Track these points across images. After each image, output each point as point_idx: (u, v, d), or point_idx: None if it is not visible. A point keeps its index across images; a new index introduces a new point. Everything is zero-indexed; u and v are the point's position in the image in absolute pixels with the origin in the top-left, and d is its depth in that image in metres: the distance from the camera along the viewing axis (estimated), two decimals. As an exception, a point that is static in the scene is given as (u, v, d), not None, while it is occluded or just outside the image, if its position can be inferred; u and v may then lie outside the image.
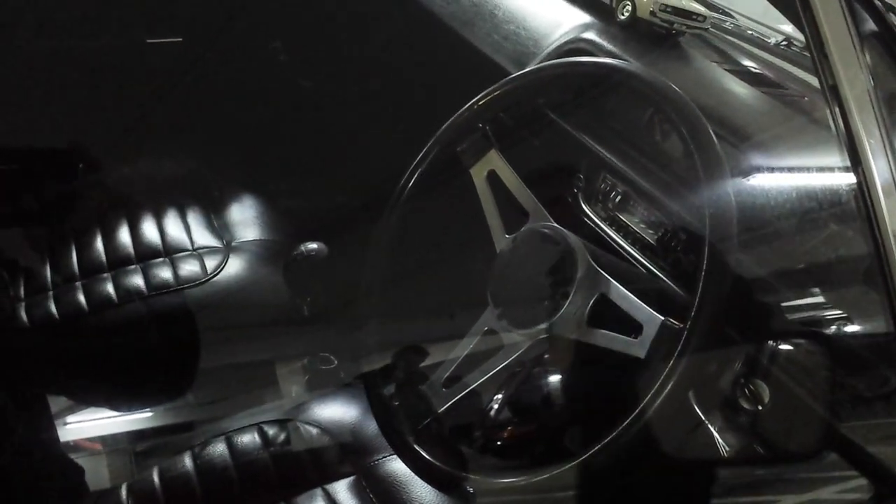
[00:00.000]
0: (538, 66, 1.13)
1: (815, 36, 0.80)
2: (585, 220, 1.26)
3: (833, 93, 0.78)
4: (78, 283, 1.44)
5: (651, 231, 1.16)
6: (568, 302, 0.93)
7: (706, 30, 1.39)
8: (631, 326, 0.87)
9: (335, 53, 1.89)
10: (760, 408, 0.82)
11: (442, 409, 1.01)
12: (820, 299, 1.00)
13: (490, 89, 1.09)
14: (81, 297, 1.41)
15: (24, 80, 1.63)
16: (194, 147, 1.74)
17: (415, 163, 1.11)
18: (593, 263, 0.95)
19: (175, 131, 1.76)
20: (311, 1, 1.92)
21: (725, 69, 1.32)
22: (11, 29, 1.61)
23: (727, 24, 1.57)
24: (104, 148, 1.68)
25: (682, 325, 0.81)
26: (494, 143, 1.08)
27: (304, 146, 1.80)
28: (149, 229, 1.54)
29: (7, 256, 1.45)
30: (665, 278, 1.07)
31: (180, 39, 1.85)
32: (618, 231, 1.21)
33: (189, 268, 1.47)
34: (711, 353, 0.80)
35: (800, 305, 1.00)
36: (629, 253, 1.17)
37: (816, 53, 0.80)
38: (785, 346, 0.83)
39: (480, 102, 1.09)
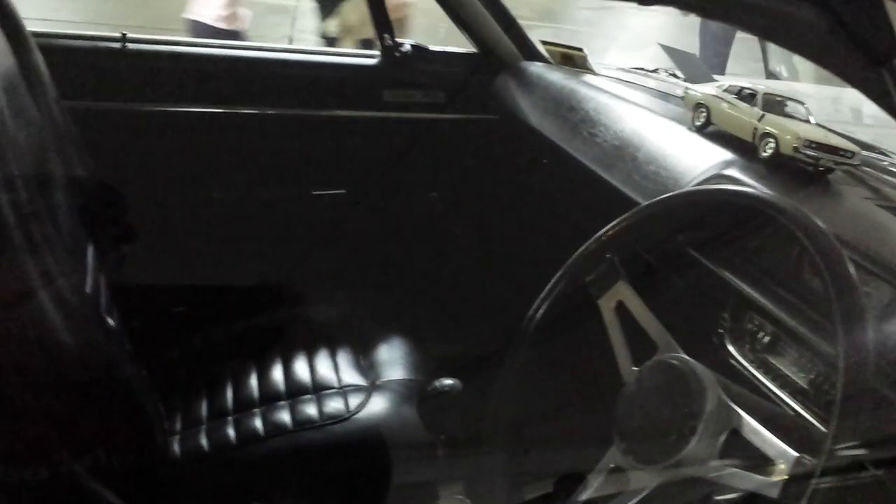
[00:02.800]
0: (668, 195, 1.11)
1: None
2: (732, 362, 1.19)
3: None
4: (230, 418, 1.51)
5: (802, 374, 1.08)
6: (696, 437, 0.87)
7: (856, 166, 1.33)
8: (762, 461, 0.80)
9: (484, 202, 1.97)
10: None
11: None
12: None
13: (619, 220, 1.09)
14: (231, 431, 1.47)
15: (204, 227, 1.80)
16: (351, 290, 1.82)
17: (542, 294, 1.10)
18: (724, 397, 0.89)
19: (334, 277, 1.85)
20: (466, 156, 2.03)
21: (880, 206, 1.25)
22: (196, 182, 1.79)
23: (883, 162, 1.49)
24: (266, 293, 1.80)
25: (817, 462, 0.74)
26: (623, 274, 1.06)
27: (450, 287, 1.84)
28: (300, 367, 1.60)
29: (169, 391, 1.55)
30: (806, 414, 0.98)
31: (343, 191, 1.99)
32: (766, 374, 1.13)
33: (334, 405, 1.51)
34: (850, 492, 0.72)
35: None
36: (777, 396, 1.08)
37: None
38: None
39: (609, 233, 1.09)
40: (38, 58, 1.47)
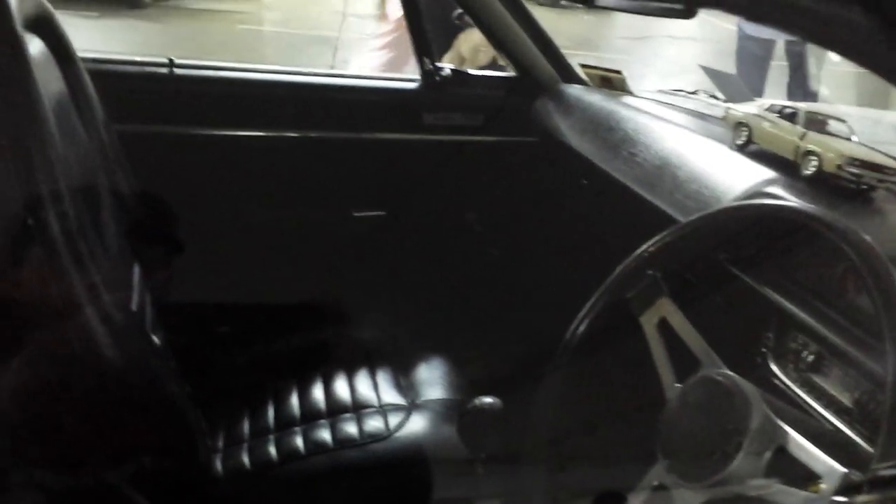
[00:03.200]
0: (711, 210, 1.11)
1: None
2: (776, 381, 1.17)
3: None
4: (271, 436, 1.52)
5: (847, 393, 1.06)
6: (742, 454, 0.86)
7: (899, 184, 1.31)
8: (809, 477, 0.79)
9: (523, 223, 1.97)
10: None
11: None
12: None
13: (661, 235, 1.08)
14: (272, 449, 1.48)
15: (247, 248, 1.82)
16: (390, 310, 1.83)
17: (583, 311, 1.10)
18: (769, 412, 0.87)
19: (374, 297, 1.87)
20: (505, 178, 2.04)
21: None
22: (240, 203, 1.82)
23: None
24: (308, 313, 1.82)
25: (865, 477, 0.72)
26: (665, 290, 1.06)
27: (489, 307, 1.85)
28: (341, 386, 1.61)
29: (212, 409, 1.56)
30: (851, 433, 0.96)
31: (383, 212, 2.01)
32: (810, 393, 1.11)
33: (374, 424, 1.51)
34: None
35: None
36: (821, 414, 1.06)
37: None
38: None
39: (651, 249, 1.08)
40: (88, 82, 1.52)
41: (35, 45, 1.30)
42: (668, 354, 1.02)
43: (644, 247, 1.08)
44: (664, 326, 1.04)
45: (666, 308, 1.04)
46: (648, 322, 1.05)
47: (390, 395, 1.59)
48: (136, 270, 1.53)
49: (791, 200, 1.25)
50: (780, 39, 4.45)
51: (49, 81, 1.31)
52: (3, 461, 0.98)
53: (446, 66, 2.01)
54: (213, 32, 7.90)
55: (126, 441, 1.22)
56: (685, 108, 1.85)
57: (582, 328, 1.09)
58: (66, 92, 1.42)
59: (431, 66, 1.98)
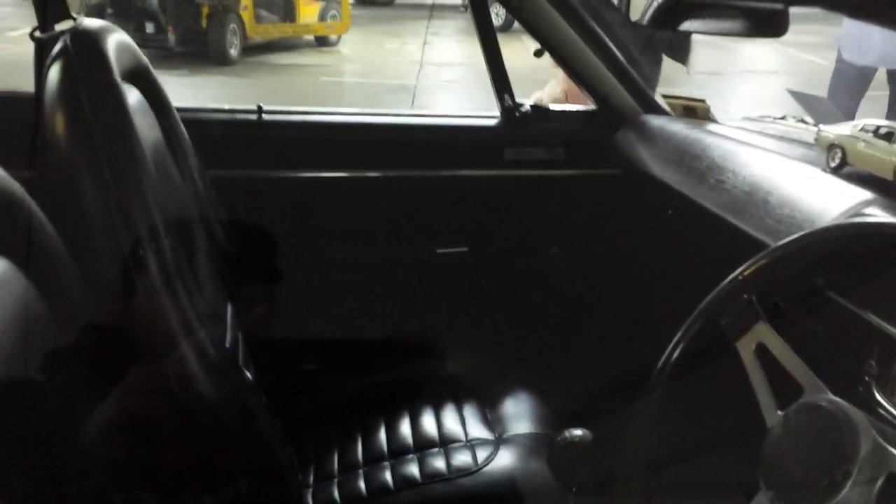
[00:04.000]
0: (809, 230, 1.07)
1: None
2: (881, 411, 1.11)
3: None
4: (360, 471, 1.52)
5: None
6: (850, 482, 0.81)
7: None
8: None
9: (607, 255, 1.95)
10: None
11: None
12: None
13: (756, 258, 1.05)
14: (362, 484, 1.48)
15: (333, 286, 1.85)
16: (475, 345, 1.83)
17: (676, 338, 1.07)
18: (879, 439, 0.83)
19: (458, 332, 1.87)
20: (587, 211, 2.02)
21: None
22: (326, 242, 1.86)
23: None
24: (393, 349, 1.84)
25: None
26: (763, 314, 1.02)
27: (574, 341, 1.82)
28: (428, 421, 1.61)
29: (301, 445, 1.58)
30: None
31: (466, 249, 2.01)
32: None
33: (462, 458, 1.50)
34: None
35: None
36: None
37: None
38: None
39: (746, 272, 1.05)
40: (182, 130, 1.58)
41: (133, 95, 1.37)
42: (767, 380, 0.98)
43: (739, 270, 1.05)
44: (762, 352, 1.00)
45: (763, 333, 1.01)
46: (745, 348, 1.01)
47: (477, 430, 1.58)
48: (229, 308, 1.57)
49: (892, 219, 1.20)
50: (882, 67, 4.31)
51: (146, 129, 1.37)
52: (104, 490, 1.01)
53: (525, 101, 2.02)
54: (299, 85, 8.16)
55: (218, 475, 1.24)
56: (773, 134, 1.81)
57: (675, 355, 1.07)
58: (162, 139, 1.48)
59: (511, 103, 1.99)
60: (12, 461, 0.67)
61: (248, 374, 1.46)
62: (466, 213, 2.00)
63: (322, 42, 10.33)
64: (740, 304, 1.04)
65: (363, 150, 1.96)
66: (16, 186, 0.81)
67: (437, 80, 8.88)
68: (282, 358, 1.69)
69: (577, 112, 2.07)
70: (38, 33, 1.52)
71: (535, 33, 1.86)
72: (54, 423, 0.80)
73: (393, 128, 2.05)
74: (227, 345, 1.49)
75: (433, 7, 14.62)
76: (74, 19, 1.55)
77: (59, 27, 1.53)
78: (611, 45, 1.95)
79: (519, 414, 1.63)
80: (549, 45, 1.88)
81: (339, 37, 10.38)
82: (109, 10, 7.98)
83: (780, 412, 0.95)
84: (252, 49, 9.13)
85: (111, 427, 1.01)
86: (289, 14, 9.78)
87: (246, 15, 8.90)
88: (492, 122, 2.03)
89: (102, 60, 1.24)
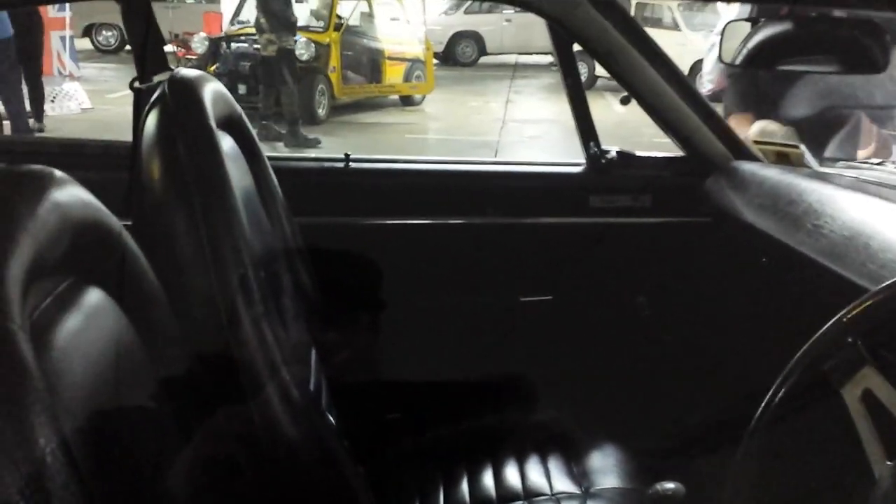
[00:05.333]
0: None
1: None
2: None
3: None
4: (443, 523, 1.49)
5: None
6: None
7: None
8: None
9: (697, 305, 1.89)
10: None
11: None
12: None
13: (861, 299, 0.99)
14: (446, 536, 1.45)
15: (415, 334, 1.85)
16: (559, 395, 1.79)
17: (775, 385, 1.02)
18: None
19: (542, 382, 1.83)
20: (675, 260, 1.97)
21: None
22: (409, 290, 1.86)
23: None
24: (476, 399, 1.81)
25: None
26: (869, 358, 0.96)
27: (661, 392, 1.77)
28: (511, 473, 1.57)
29: (382, 494, 1.56)
30: None
31: (550, 297, 1.99)
32: None
33: (547, 512, 1.46)
34: None
35: None
36: None
37: None
38: None
39: (850, 315, 0.99)
40: (272, 177, 1.62)
41: (227, 142, 1.41)
42: (875, 428, 0.92)
43: (842, 312, 0.99)
44: (869, 398, 0.94)
45: (871, 379, 0.95)
46: (850, 394, 0.95)
47: (563, 483, 1.54)
48: (313, 353, 1.58)
49: None
50: None
51: (239, 176, 1.40)
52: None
53: (612, 148, 2.00)
54: (384, 142, 8.34)
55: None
56: (871, 179, 1.74)
57: (775, 403, 1.01)
58: (253, 186, 1.52)
59: (596, 150, 1.97)
60: (98, 492, 0.67)
61: (332, 419, 1.46)
62: (551, 261, 1.98)
63: (407, 101, 10.56)
64: (845, 348, 0.98)
65: (448, 197, 1.97)
66: (113, 220, 0.84)
67: (520, 136, 8.95)
68: (363, 405, 1.68)
69: (665, 158, 2.04)
70: (136, 84, 1.59)
71: (622, 80, 1.85)
72: (139, 458, 0.80)
73: (478, 175, 2.06)
74: (311, 389, 1.50)
75: (516, 66, 14.82)
76: (172, 70, 1.62)
77: (157, 78, 1.60)
78: (697, 90, 1.92)
79: (605, 468, 1.58)
80: (636, 91, 1.86)
81: (424, 96, 10.60)
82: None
83: (889, 462, 0.89)
84: (339, 109, 9.40)
85: (193, 465, 1.01)
86: (375, 75, 10.05)
87: (334, 76, 9.18)
88: (577, 170, 2.01)
89: (199, 107, 1.28)
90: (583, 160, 2.00)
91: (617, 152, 1.99)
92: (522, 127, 9.46)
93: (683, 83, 1.87)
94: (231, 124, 1.47)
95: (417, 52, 10.42)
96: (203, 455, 1.06)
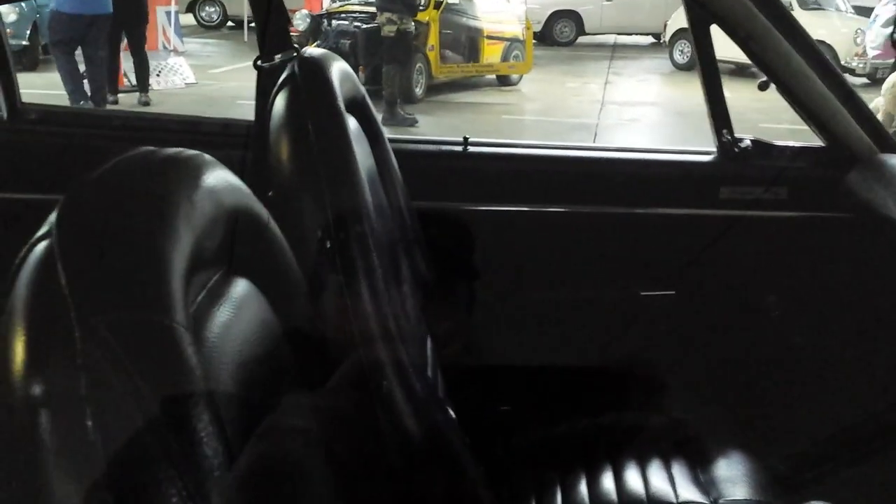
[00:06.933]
0: None
1: None
2: None
3: None
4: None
5: None
6: None
7: None
8: None
9: (833, 306, 1.77)
10: None
11: None
12: None
13: None
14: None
15: (532, 326, 1.79)
16: (682, 397, 1.70)
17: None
18: None
19: (664, 382, 1.75)
20: (811, 257, 1.85)
21: None
22: (526, 280, 1.80)
23: None
24: (593, 397, 1.74)
25: None
26: None
27: (791, 398, 1.66)
28: (632, 477, 1.50)
29: (496, 491, 1.51)
30: None
31: (673, 292, 1.89)
32: None
33: (675, 521, 1.38)
34: None
35: None
36: None
37: None
38: None
39: None
40: (394, 161, 1.58)
41: (352, 123, 1.38)
42: None
43: None
44: None
45: None
46: None
47: (689, 491, 1.45)
48: (429, 343, 1.53)
49: None
50: None
51: (363, 157, 1.37)
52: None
53: (746, 137, 1.88)
54: (480, 123, 8.27)
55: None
56: None
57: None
58: (375, 168, 1.48)
59: (729, 138, 1.86)
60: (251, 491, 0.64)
61: (451, 412, 1.42)
62: (675, 254, 1.88)
63: (504, 81, 10.44)
64: None
65: (568, 184, 1.89)
66: (261, 209, 0.80)
67: (619, 118, 8.73)
68: (476, 396, 1.63)
69: (804, 148, 1.90)
70: (259, 62, 1.57)
71: (762, 64, 1.73)
72: (285, 459, 0.77)
73: (599, 162, 1.98)
74: (429, 379, 1.46)
75: (615, 47, 14.50)
76: (296, 49, 1.59)
77: (280, 58, 1.57)
78: (844, 77, 1.79)
79: (735, 477, 1.49)
80: (777, 76, 1.74)
81: (521, 77, 10.46)
82: (304, 51, 8.40)
83: None
84: (436, 88, 9.36)
85: (314, 459, 0.97)
86: (473, 54, 9.96)
87: (432, 55, 9.14)
88: (707, 158, 1.90)
89: (328, 89, 1.25)
90: (713, 148, 1.89)
91: (752, 141, 1.87)
92: (622, 109, 9.23)
93: (829, 69, 1.74)
94: (356, 105, 1.43)
95: (516, 31, 10.27)
96: (328, 450, 1.02)
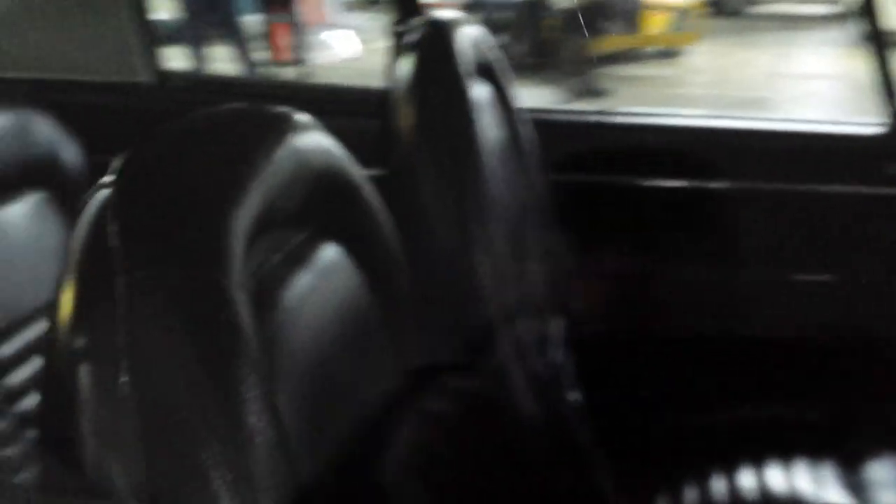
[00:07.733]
0: None
1: None
2: None
3: None
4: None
5: None
6: None
7: None
8: None
9: None
10: None
11: None
12: None
13: None
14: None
15: (668, 308, 1.69)
16: (832, 390, 1.56)
17: None
18: None
19: (810, 372, 1.61)
20: None
21: None
22: (664, 258, 1.70)
23: None
24: (736, 387, 1.62)
25: None
26: None
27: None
28: (775, 476, 1.40)
29: (622, 480, 1.44)
30: None
31: (828, 277, 1.73)
32: None
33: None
34: None
35: None
36: None
37: None
38: None
39: None
40: (527, 130, 1.52)
41: (482, 90, 1.33)
42: None
43: None
44: None
45: None
46: None
47: (838, 494, 1.35)
48: (561, 324, 1.47)
49: None
50: None
51: (491, 126, 1.33)
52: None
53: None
54: (643, 97, 7.99)
55: (537, 499, 1.14)
56: None
57: None
58: (506, 137, 1.43)
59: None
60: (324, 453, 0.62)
61: (577, 396, 1.36)
62: (831, 236, 1.71)
63: (668, 53, 10.04)
64: None
65: (717, 157, 1.76)
66: (356, 171, 0.78)
67: (793, 92, 8.19)
68: (612, 379, 1.56)
69: None
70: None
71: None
72: (364, 424, 0.74)
73: (751, 134, 1.82)
74: (555, 363, 1.40)
75: (787, 17, 13.62)
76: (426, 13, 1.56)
77: (413, 23, 1.54)
78: None
79: (889, 481, 1.37)
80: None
81: (686, 48, 10.02)
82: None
83: None
84: (597, 60, 9.12)
85: (429, 439, 0.93)
86: (636, 25, 9.64)
87: (593, 26, 8.92)
88: (871, 131, 1.72)
89: (451, 55, 1.22)
90: (880, 120, 1.70)
91: None
92: (797, 83, 8.66)
93: None
94: (488, 71, 1.39)
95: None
96: (440, 429, 0.98)
